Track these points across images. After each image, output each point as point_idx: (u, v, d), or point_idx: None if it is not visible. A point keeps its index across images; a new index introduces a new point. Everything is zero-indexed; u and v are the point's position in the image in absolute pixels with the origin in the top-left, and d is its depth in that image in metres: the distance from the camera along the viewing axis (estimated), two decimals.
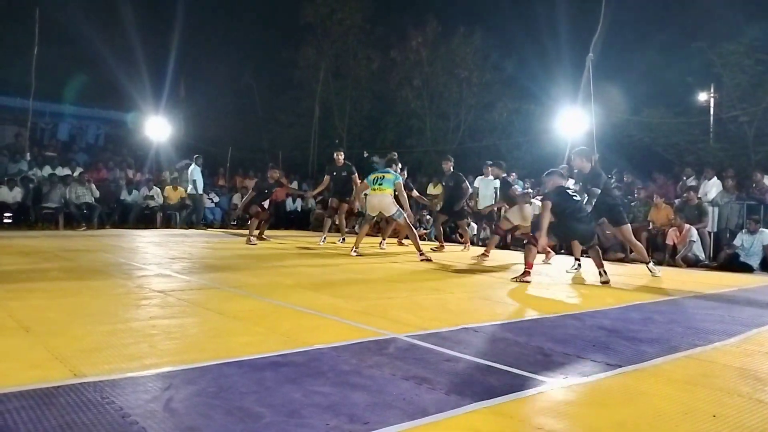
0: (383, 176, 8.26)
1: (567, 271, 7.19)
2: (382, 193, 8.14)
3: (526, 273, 5.99)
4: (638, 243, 7.48)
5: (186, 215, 14.14)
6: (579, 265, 7.36)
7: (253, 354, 2.67)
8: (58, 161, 14.34)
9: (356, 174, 10.37)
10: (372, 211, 8.45)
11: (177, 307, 3.80)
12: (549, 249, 8.18)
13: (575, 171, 7.47)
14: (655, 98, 16.22)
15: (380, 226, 11.16)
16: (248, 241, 9.59)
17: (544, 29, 17.24)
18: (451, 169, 10.14)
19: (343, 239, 10.40)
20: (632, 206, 10.59)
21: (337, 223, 10.76)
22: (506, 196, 8.87)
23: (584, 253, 7.11)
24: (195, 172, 13.94)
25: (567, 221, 6.14)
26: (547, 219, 6.08)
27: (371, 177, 8.39)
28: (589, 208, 6.52)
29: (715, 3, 15.23)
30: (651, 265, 7.05)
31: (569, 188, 6.45)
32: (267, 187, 10.43)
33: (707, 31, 14.81)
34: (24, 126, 15.88)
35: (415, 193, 10.56)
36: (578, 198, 6.31)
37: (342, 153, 10.78)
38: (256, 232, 10.14)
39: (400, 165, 8.88)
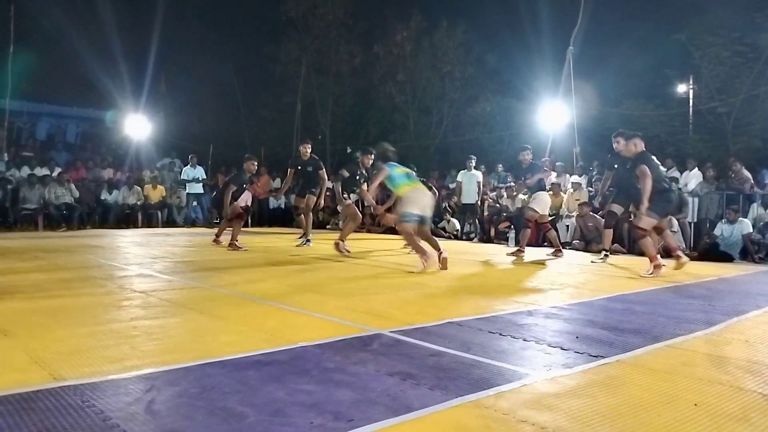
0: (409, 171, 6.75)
1: (592, 261, 7.39)
2: (425, 190, 6.68)
3: (658, 267, 6.09)
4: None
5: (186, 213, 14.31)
6: (607, 255, 7.54)
7: (236, 353, 2.65)
8: (37, 161, 14.11)
9: (323, 170, 9.42)
10: (424, 211, 6.46)
11: (159, 308, 3.76)
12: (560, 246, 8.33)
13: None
14: (636, 91, 16.39)
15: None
16: (233, 247, 8.42)
17: (526, 23, 17.32)
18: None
19: (308, 241, 9.20)
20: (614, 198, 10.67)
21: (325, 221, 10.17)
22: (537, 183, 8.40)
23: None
24: (189, 172, 14.09)
25: (662, 192, 6.09)
26: (649, 187, 5.96)
27: (399, 172, 6.56)
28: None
29: None
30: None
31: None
32: (245, 181, 9.27)
33: (686, 23, 14.96)
34: (1, 126, 15.60)
35: (364, 187, 8.94)
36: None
37: (309, 145, 9.51)
38: (223, 236, 9.44)
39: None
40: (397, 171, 6.48)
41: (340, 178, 8.25)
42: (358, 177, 8.39)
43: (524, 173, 8.39)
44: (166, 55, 20.95)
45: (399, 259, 7.43)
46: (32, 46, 17.05)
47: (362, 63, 21.82)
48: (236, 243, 8.33)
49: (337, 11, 21.44)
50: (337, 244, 7.76)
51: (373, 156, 8.45)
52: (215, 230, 9.96)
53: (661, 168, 6.32)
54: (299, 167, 9.39)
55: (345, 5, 21.44)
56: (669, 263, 6.37)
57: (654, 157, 6.45)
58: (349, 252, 7.74)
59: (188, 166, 14.75)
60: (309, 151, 9.40)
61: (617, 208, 7.43)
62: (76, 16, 18.52)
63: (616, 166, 7.44)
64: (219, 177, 16.65)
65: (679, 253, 6.45)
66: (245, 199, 8.96)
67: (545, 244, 10.09)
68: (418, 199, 6.25)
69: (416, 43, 20.32)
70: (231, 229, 8.85)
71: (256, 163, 9.48)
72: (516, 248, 8.35)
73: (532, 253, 8.38)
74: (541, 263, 7.44)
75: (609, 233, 7.74)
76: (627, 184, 6.94)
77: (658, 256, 6.31)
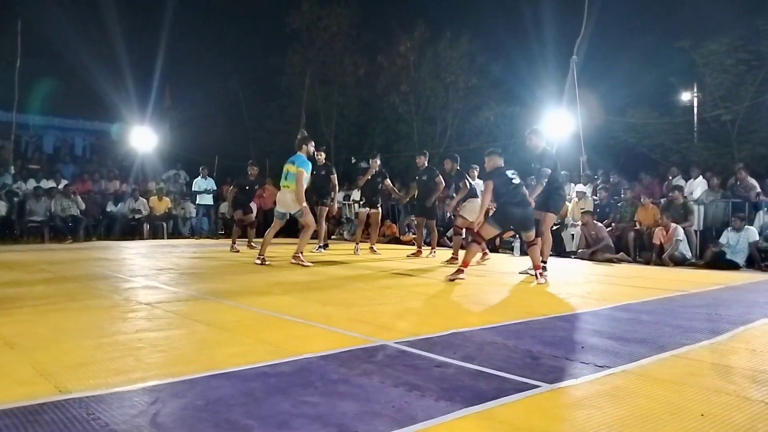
0: (289, 168, 7.62)
1: (520, 272, 6.97)
2: (287, 189, 7.55)
3: (460, 271, 6.07)
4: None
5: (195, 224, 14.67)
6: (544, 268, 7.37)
7: (241, 365, 2.65)
8: (43, 174, 14.22)
9: (335, 174, 10.02)
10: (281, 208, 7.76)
11: (164, 320, 3.77)
12: (486, 250, 8.25)
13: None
14: (640, 99, 16.36)
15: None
16: (232, 249, 9.61)
17: (530, 32, 17.35)
18: (426, 164, 9.48)
19: (326, 245, 10.08)
20: (619, 206, 10.67)
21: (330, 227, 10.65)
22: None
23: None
24: (200, 183, 14.25)
25: (505, 206, 6.07)
26: (487, 200, 6.08)
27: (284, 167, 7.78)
28: (539, 189, 6.50)
29: (696, 3, 15.41)
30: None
31: (508, 171, 6.24)
32: (248, 183, 10.09)
33: (689, 31, 14.96)
34: (7, 139, 15.72)
35: (387, 182, 9.99)
36: (518, 181, 6.14)
37: (323, 153, 10.23)
38: (245, 241, 10.05)
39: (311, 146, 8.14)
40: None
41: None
42: (378, 179, 9.47)
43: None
44: (171, 67, 21.08)
45: (404, 266, 7.42)
46: (39, 60, 17.21)
47: (366, 74, 21.89)
48: (233, 247, 9.71)
49: (342, 23, 21.55)
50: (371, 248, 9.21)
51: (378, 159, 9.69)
52: (220, 241, 10.24)
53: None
54: (313, 172, 9.55)
55: (349, 17, 21.55)
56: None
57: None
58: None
59: (200, 177, 14.85)
60: (323, 157, 10.10)
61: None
62: (83, 29, 18.69)
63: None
64: (224, 188, 16.72)
65: (540, 264, 6.20)
66: (253, 209, 9.78)
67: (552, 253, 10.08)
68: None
69: (420, 54, 20.39)
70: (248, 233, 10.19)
71: (257, 168, 10.52)
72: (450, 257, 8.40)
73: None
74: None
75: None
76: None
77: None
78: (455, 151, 19.54)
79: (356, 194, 9.80)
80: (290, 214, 7.62)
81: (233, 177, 17.53)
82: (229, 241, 10.53)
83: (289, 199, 7.49)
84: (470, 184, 8.67)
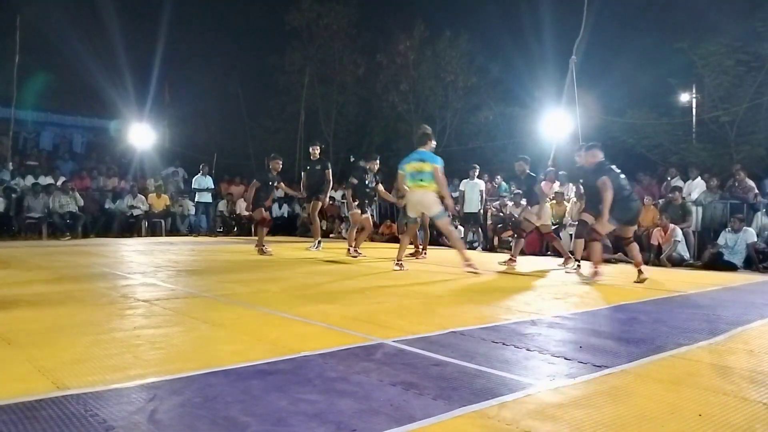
0: (421, 166, 6.94)
1: (566, 271, 7.29)
2: (424, 190, 6.95)
3: (595, 272, 6.20)
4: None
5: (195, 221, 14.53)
6: (579, 265, 7.43)
7: (239, 363, 2.64)
8: (41, 170, 14.20)
9: (330, 170, 9.92)
10: (413, 212, 7.25)
11: (162, 317, 3.77)
12: (569, 254, 8.10)
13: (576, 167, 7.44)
14: (639, 100, 16.38)
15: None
16: (261, 251, 8.79)
17: (529, 32, 17.37)
18: None
19: (319, 244, 9.75)
20: None
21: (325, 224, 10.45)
22: (530, 193, 8.33)
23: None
24: (200, 180, 14.22)
25: (627, 200, 6.15)
26: (611, 197, 6.00)
27: (405, 167, 7.08)
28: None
29: (695, 4, 15.43)
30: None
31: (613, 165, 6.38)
32: (270, 179, 9.35)
33: (688, 32, 14.97)
34: (6, 135, 15.70)
35: (380, 187, 9.41)
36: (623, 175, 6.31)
37: (318, 147, 10.13)
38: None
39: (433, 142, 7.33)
40: None
41: (350, 186, 8.53)
42: (367, 182, 8.64)
43: (521, 185, 8.38)
44: (170, 64, 21.09)
45: (405, 271, 7.42)
46: (37, 56, 17.18)
47: (366, 72, 21.89)
48: (263, 248, 8.83)
49: (341, 21, 21.55)
50: (348, 251, 8.40)
51: (378, 161, 8.96)
52: (218, 239, 10.08)
53: (622, 176, 6.36)
54: (308, 167, 9.90)
55: (349, 15, 21.55)
56: (632, 275, 6.48)
57: (614, 167, 6.46)
58: (360, 255, 8.39)
59: (200, 174, 14.86)
60: (318, 151, 9.97)
61: (588, 218, 7.43)
62: (81, 26, 18.66)
63: (581, 181, 7.51)
64: (222, 186, 16.71)
65: (642, 268, 6.47)
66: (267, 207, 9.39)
67: (548, 253, 10.08)
68: None
69: (419, 53, 20.39)
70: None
71: (281, 162, 9.60)
72: (508, 258, 8.23)
73: (535, 264, 8.35)
74: (543, 273, 7.42)
75: (580, 243, 7.67)
76: (592, 194, 6.97)
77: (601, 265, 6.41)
78: (454, 151, 19.59)
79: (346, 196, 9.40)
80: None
81: (230, 176, 17.61)
82: (228, 239, 10.49)
83: (430, 200, 6.91)
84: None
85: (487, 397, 2.26)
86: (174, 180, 16.06)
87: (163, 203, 14.28)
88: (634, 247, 6.55)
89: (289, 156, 22.46)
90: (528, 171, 8.34)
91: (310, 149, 10.07)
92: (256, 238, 9.68)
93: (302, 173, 10.09)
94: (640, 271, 6.37)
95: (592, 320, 4.08)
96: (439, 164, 6.82)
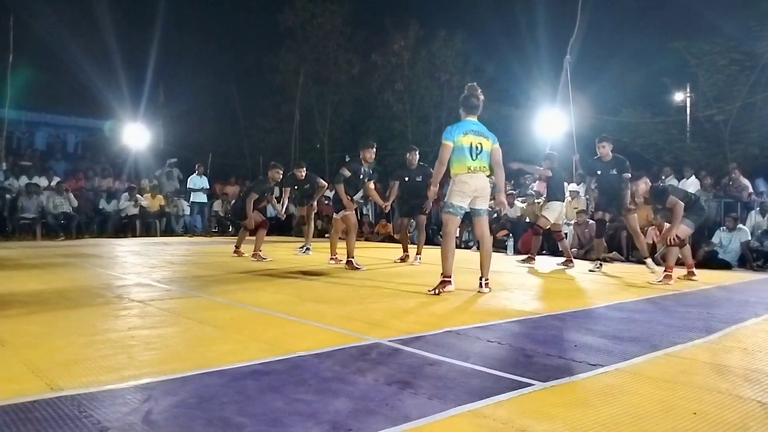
0: (480, 142, 5.10)
1: (590, 270, 7.37)
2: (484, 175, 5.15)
3: (668, 276, 6.25)
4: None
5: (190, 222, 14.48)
6: (601, 264, 7.57)
7: (234, 363, 2.64)
8: (35, 171, 14.13)
9: (320, 179, 9.69)
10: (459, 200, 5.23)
11: (157, 317, 3.76)
12: (571, 255, 8.33)
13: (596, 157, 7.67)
14: (633, 99, 16.44)
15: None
16: (256, 258, 8.05)
17: (523, 32, 17.44)
18: (417, 162, 8.27)
19: (308, 248, 9.39)
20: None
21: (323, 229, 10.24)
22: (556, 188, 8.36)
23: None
24: (196, 180, 14.19)
25: (700, 200, 6.48)
26: (681, 211, 6.17)
27: (461, 139, 5.10)
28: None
29: (689, 3, 15.49)
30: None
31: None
32: (267, 190, 8.74)
33: (682, 31, 15.04)
34: None
35: (371, 185, 8.03)
36: None
37: (303, 169, 9.57)
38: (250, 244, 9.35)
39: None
40: None
41: (341, 179, 7.35)
42: (362, 176, 7.49)
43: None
44: (164, 64, 21.09)
45: (396, 268, 7.42)
46: (31, 56, 17.11)
47: (360, 72, 21.90)
48: (260, 254, 8.10)
49: (336, 21, 21.56)
50: (349, 262, 7.18)
51: (375, 150, 7.51)
52: (213, 239, 9.95)
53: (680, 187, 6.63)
54: (296, 186, 9.57)
55: (343, 15, 21.56)
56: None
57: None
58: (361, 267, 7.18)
59: (195, 174, 14.84)
60: (303, 174, 9.47)
61: (605, 216, 7.48)
62: (76, 26, 18.61)
63: (599, 172, 7.51)
64: (217, 186, 16.68)
65: (694, 270, 6.74)
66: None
67: (544, 252, 10.09)
68: None
69: (414, 53, 20.42)
70: (253, 238, 8.58)
71: (281, 172, 8.93)
72: (527, 256, 8.48)
73: (535, 264, 8.37)
74: (539, 272, 7.43)
75: (600, 242, 7.76)
76: (609, 189, 7.03)
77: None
78: None
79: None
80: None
81: (225, 176, 17.57)
82: (224, 239, 10.43)
83: (487, 187, 5.21)
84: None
85: (482, 396, 2.26)
86: (169, 171, 15.96)
87: (158, 203, 14.24)
88: (674, 251, 6.55)
89: (284, 156, 22.46)
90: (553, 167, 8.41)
91: (296, 171, 9.53)
92: (250, 240, 8.94)
93: (285, 189, 9.68)
94: (691, 273, 6.70)
95: (587, 319, 4.09)
96: (498, 145, 5.21)
